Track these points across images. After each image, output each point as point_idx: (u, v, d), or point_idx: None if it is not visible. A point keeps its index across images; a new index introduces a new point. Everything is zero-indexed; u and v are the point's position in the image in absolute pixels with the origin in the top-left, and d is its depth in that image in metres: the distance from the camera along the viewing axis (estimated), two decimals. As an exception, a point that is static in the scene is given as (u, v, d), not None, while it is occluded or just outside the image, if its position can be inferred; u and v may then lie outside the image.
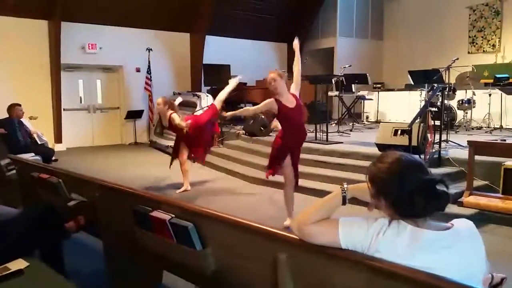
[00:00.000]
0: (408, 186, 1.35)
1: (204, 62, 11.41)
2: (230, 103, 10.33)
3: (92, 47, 10.29)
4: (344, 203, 1.51)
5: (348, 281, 1.43)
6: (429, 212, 1.36)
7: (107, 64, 10.78)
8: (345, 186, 1.52)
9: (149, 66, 10.95)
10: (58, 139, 9.96)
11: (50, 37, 9.69)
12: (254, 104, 11.02)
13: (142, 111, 11.07)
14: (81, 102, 10.78)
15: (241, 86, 10.92)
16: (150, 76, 10.98)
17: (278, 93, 4.05)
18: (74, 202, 2.89)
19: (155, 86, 11.04)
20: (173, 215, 1.98)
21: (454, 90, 8.21)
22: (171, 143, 9.36)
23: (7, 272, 2.16)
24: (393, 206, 1.38)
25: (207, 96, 9.57)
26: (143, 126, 11.30)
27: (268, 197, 5.55)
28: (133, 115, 10.94)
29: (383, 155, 1.47)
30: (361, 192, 1.49)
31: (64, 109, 10.09)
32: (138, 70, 11.12)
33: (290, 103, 4.09)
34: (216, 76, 10.35)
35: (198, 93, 9.93)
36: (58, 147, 9.59)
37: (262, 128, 8.38)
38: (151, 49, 10.96)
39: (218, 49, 11.66)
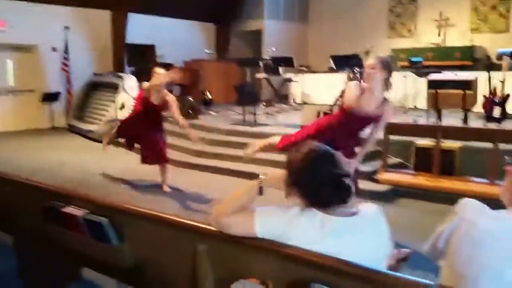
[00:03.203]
0: (317, 177, 1.41)
1: (127, 41, 10.88)
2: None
3: (0, 25, 9.35)
4: (260, 193, 1.53)
5: (265, 268, 1.47)
6: (334, 204, 1.41)
7: (18, 43, 9.86)
8: (261, 177, 1.54)
9: (66, 46, 10.23)
10: (-37, 125, 9.05)
11: None
12: (181, 86, 10.87)
13: (59, 93, 10.35)
14: (-11, 85, 9.82)
15: (167, 67, 10.64)
16: (68, 56, 10.28)
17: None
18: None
19: (74, 66, 10.33)
20: (87, 211, 1.89)
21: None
22: (92, 127, 8.92)
23: None
24: (304, 195, 1.43)
25: (130, 77, 9.16)
26: (61, 110, 10.58)
27: (197, 182, 5.51)
28: (50, 97, 10.18)
29: (301, 145, 1.51)
30: (277, 182, 1.52)
31: (-31, 93, 9.15)
32: (54, 49, 10.31)
33: None
34: (140, 56, 9.95)
35: (121, 74, 9.48)
36: (-37, 134, 8.72)
37: (190, 111, 8.23)
38: (68, 27, 10.22)
39: (142, 28, 11.13)
